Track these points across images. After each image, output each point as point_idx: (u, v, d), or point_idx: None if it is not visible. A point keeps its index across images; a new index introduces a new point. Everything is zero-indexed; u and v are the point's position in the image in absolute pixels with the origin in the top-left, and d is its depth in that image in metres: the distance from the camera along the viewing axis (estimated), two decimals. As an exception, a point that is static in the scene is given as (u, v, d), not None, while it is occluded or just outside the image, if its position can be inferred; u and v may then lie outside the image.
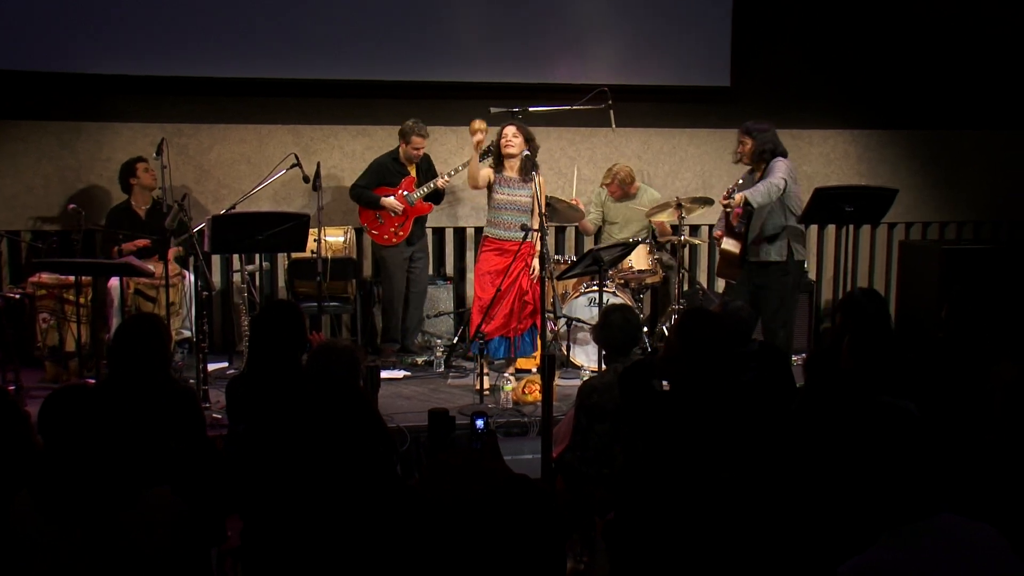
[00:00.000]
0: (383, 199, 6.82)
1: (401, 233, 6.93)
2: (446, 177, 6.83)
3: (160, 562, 2.51)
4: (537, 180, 6.11)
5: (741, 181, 6.21)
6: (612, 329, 4.52)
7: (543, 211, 6.03)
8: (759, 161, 6.14)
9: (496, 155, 6.20)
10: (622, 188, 7.25)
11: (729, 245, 6.26)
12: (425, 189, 6.85)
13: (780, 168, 6.05)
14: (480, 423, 2.99)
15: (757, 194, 5.95)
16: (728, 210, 6.13)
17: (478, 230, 6.56)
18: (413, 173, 6.94)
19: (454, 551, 2.49)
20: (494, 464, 2.81)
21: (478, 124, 6.16)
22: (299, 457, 2.59)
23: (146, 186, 6.72)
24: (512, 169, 6.18)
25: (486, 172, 6.21)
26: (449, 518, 2.51)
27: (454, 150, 7.00)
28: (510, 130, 6.15)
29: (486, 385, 6.15)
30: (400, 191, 6.87)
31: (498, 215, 6.20)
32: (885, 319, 4.52)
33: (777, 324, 6.18)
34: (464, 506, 2.53)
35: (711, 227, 6.51)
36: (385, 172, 6.90)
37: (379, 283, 7.24)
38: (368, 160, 7.20)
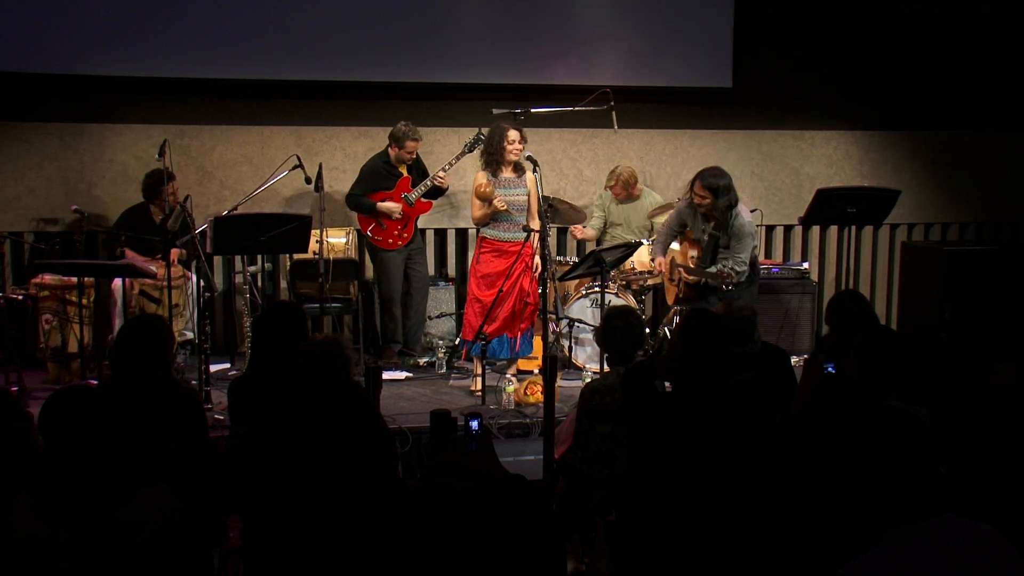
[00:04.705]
0: (379, 204, 6.80)
1: (405, 235, 6.92)
2: (441, 174, 6.82)
3: (161, 562, 2.51)
4: (531, 176, 6.11)
5: (698, 227, 6.04)
6: (614, 335, 4.51)
7: (545, 210, 6.02)
8: (718, 212, 5.99)
9: (493, 158, 6.16)
10: (626, 190, 7.26)
11: (689, 284, 6.17)
12: (423, 188, 6.85)
13: (744, 235, 5.91)
14: (474, 424, 2.98)
15: (744, 265, 5.91)
16: (722, 283, 5.92)
17: (478, 231, 6.55)
18: (406, 173, 6.94)
19: (452, 550, 2.50)
20: (490, 464, 2.81)
21: (487, 191, 6.10)
22: (299, 458, 2.59)
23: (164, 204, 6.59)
24: (508, 170, 6.17)
25: (484, 196, 6.14)
26: (447, 517, 2.52)
27: (456, 151, 7.00)
28: (515, 135, 6.08)
29: (482, 386, 6.16)
30: (399, 194, 6.86)
31: (497, 216, 6.18)
32: (872, 320, 4.51)
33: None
34: (461, 504, 2.53)
35: (653, 242, 6.52)
36: (379, 177, 6.88)
37: (377, 284, 7.23)
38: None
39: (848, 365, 3.65)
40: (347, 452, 2.56)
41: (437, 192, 6.96)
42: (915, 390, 3.52)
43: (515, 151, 6.09)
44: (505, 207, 6.09)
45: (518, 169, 6.17)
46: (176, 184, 6.65)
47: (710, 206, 5.95)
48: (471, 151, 6.80)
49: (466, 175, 7.43)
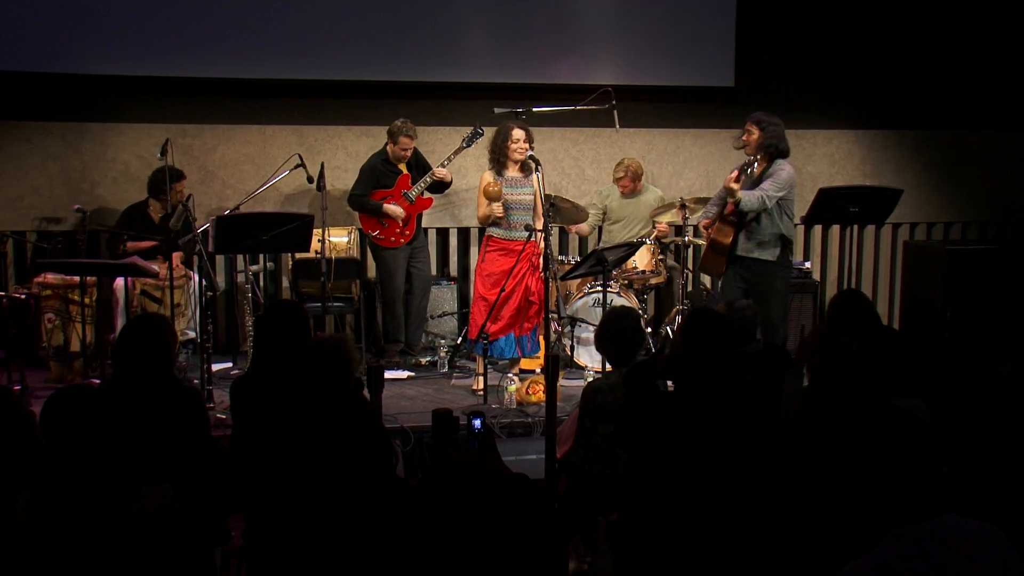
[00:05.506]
0: (385, 206, 6.80)
1: (408, 233, 6.92)
2: (439, 169, 6.83)
3: (162, 561, 2.51)
4: (537, 176, 6.09)
5: (745, 170, 6.05)
6: (607, 340, 4.51)
7: (547, 210, 6.01)
8: (763, 155, 6.07)
9: (497, 157, 6.16)
10: (633, 182, 7.25)
11: (720, 234, 6.16)
12: (422, 184, 6.85)
13: (782, 177, 5.97)
14: (477, 423, 2.99)
15: (752, 200, 5.88)
16: (730, 199, 6.01)
17: (481, 230, 6.55)
18: (405, 171, 6.94)
19: (454, 550, 2.50)
20: (492, 463, 2.81)
21: (494, 191, 6.10)
22: (299, 457, 2.60)
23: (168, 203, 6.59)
24: (514, 168, 6.16)
25: (491, 196, 6.13)
26: (449, 516, 2.52)
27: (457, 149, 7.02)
28: (520, 135, 6.07)
29: (484, 385, 6.16)
30: (399, 191, 6.86)
31: (504, 214, 6.17)
32: (873, 319, 4.50)
33: (776, 320, 6.15)
34: (463, 504, 2.54)
35: (705, 208, 6.52)
36: (379, 175, 6.88)
37: (379, 283, 7.23)
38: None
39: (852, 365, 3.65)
40: (344, 451, 2.56)
41: (440, 186, 6.96)
42: (916, 388, 3.52)
43: (520, 150, 6.07)
44: (501, 214, 6.10)
45: (524, 168, 6.16)
46: (184, 183, 6.66)
47: (756, 143, 5.99)
48: (468, 146, 6.82)
49: (468, 174, 7.43)
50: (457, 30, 7.56)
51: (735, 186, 5.88)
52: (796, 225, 6.39)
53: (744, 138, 6.08)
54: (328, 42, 7.36)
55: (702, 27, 7.84)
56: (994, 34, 8.16)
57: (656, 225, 7.23)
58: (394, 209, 6.80)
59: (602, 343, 4.56)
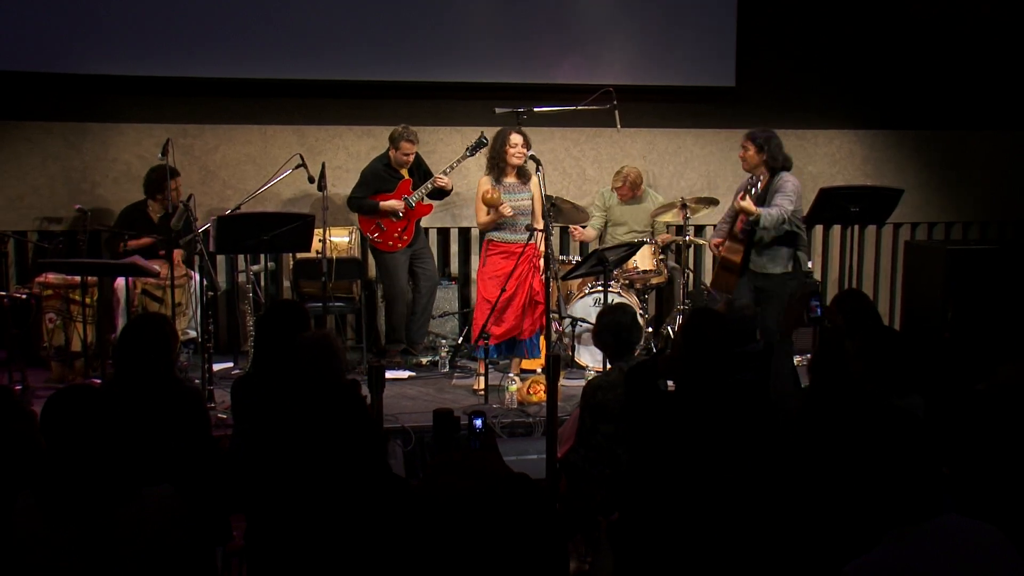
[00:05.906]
0: (382, 203, 6.79)
1: (406, 237, 6.91)
2: (442, 177, 6.82)
3: (163, 561, 2.51)
4: (535, 180, 6.08)
5: (750, 190, 6.09)
6: (604, 332, 4.53)
7: (548, 210, 6.00)
8: (765, 170, 6.08)
9: (496, 162, 6.15)
10: (632, 190, 7.26)
11: (730, 252, 6.20)
12: (423, 190, 6.84)
13: (789, 188, 5.97)
14: (478, 422, 2.99)
15: (773, 216, 5.87)
16: (749, 218, 6.00)
17: (482, 232, 6.55)
18: (407, 176, 6.93)
19: (455, 549, 2.50)
20: (493, 462, 2.81)
21: (494, 197, 6.08)
22: (296, 455, 2.60)
23: (167, 201, 6.62)
24: (512, 174, 6.16)
25: (490, 202, 6.12)
26: (450, 516, 2.52)
27: (459, 151, 7.01)
28: (519, 139, 6.06)
29: (485, 385, 6.16)
30: (400, 196, 6.85)
31: (503, 220, 6.16)
32: (874, 319, 4.51)
33: (779, 329, 6.13)
34: (464, 504, 2.54)
35: (716, 226, 6.51)
36: (380, 179, 6.87)
37: (380, 283, 7.23)
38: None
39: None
40: (340, 446, 2.57)
41: (441, 193, 6.95)
42: (916, 387, 3.52)
43: (518, 155, 6.06)
44: (512, 213, 6.08)
45: (522, 175, 6.15)
46: (179, 180, 6.67)
47: (752, 160, 6.03)
48: (472, 155, 6.80)
49: (469, 175, 7.43)
50: (457, 30, 7.56)
51: (749, 204, 5.88)
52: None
53: (740, 155, 6.11)
54: (328, 42, 7.36)
55: (702, 27, 7.84)
56: (994, 34, 8.16)
57: (658, 236, 7.24)
58: (392, 204, 6.78)
59: (600, 337, 4.58)
